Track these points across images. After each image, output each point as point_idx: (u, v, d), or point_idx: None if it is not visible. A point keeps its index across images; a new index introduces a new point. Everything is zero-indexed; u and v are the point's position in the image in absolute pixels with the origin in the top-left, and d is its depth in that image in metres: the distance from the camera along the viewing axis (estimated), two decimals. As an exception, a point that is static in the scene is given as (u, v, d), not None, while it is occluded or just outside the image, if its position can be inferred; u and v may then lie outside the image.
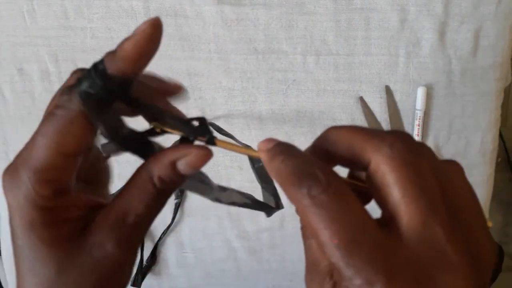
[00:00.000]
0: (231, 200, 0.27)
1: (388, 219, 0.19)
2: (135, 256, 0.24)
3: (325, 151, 0.22)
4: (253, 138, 0.55)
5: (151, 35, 0.21)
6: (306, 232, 0.22)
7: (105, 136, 0.22)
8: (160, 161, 0.22)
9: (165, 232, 0.58)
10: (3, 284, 0.64)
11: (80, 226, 0.22)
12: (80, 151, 0.21)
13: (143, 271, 0.58)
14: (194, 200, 0.57)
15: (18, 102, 0.54)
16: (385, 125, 0.54)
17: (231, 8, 0.52)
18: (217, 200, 0.27)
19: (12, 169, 0.21)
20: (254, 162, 0.29)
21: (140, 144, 0.23)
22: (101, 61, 0.20)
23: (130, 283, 0.58)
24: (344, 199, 0.19)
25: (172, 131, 0.23)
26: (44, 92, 0.54)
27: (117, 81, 0.20)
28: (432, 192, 0.19)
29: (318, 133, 0.22)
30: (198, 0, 0.52)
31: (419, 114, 0.53)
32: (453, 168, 0.21)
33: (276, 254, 0.59)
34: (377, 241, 0.18)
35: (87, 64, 0.21)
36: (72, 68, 0.51)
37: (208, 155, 0.22)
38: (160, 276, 0.60)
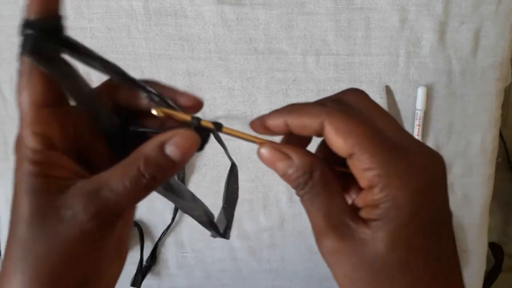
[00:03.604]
0: (191, 212, 0.27)
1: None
2: (112, 239, 0.24)
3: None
4: (253, 138, 0.55)
5: None
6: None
7: (67, 91, 0.24)
8: (149, 144, 0.23)
9: (165, 232, 0.58)
10: (3, 284, 0.64)
11: (63, 187, 0.23)
12: (48, 102, 0.23)
13: (143, 271, 0.58)
14: (194, 200, 0.57)
15: (18, 102, 0.54)
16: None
17: (231, 8, 0.52)
18: (182, 208, 0.28)
19: (18, 135, 0.24)
20: (230, 182, 0.28)
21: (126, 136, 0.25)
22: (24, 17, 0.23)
23: (130, 283, 0.58)
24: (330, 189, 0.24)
25: (177, 114, 0.24)
26: (44, 92, 0.54)
27: (41, 23, 0.23)
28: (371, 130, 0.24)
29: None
30: (198, 0, 0.52)
31: (419, 114, 0.53)
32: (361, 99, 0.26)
33: (276, 254, 0.59)
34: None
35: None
36: (72, 68, 0.51)
37: (195, 137, 0.23)
38: (160, 276, 0.60)
